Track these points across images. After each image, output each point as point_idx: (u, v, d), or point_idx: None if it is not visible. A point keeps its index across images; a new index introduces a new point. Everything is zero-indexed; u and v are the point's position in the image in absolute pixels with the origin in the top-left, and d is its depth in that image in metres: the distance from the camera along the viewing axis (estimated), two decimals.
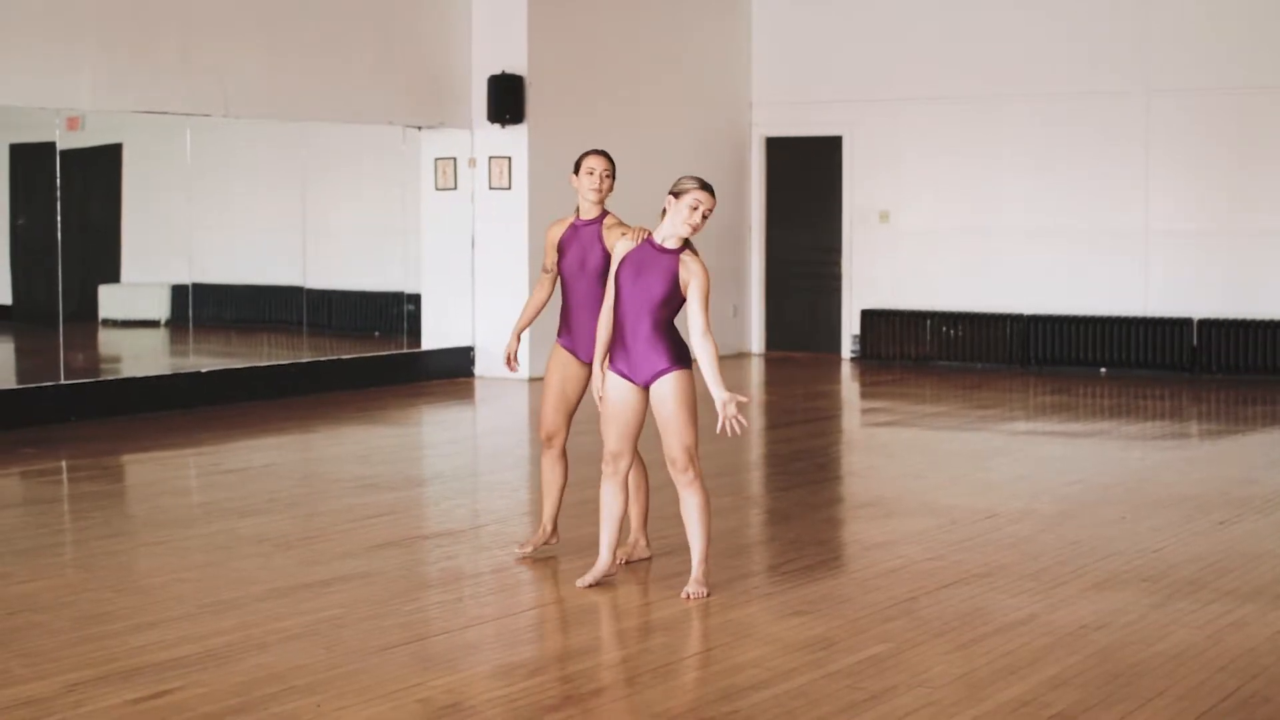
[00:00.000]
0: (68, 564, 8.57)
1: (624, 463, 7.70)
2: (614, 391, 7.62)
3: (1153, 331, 17.46)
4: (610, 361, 7.65)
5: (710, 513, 7.66)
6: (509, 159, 16.78)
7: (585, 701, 6.08)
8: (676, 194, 7.49)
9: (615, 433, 7.66)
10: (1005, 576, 8.05)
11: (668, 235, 7.53)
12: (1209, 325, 17.19)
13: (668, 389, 7.51)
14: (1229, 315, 17.19)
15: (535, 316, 8.54)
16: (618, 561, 8.04)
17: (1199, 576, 8.04)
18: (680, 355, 7.54)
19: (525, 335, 8.88)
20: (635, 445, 7.75)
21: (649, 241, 7.58)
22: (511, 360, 8.52)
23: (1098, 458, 12.34)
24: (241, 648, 6.74)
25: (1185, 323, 17.31)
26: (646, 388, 7.58)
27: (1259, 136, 17.13)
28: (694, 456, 7.54)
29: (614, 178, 8.27)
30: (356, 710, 5.92)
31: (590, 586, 7.77)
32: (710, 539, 7.68)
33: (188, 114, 14.71)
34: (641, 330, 7.53)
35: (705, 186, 7.50)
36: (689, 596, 7.54)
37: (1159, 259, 17.61)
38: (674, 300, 7.53)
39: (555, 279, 8.40)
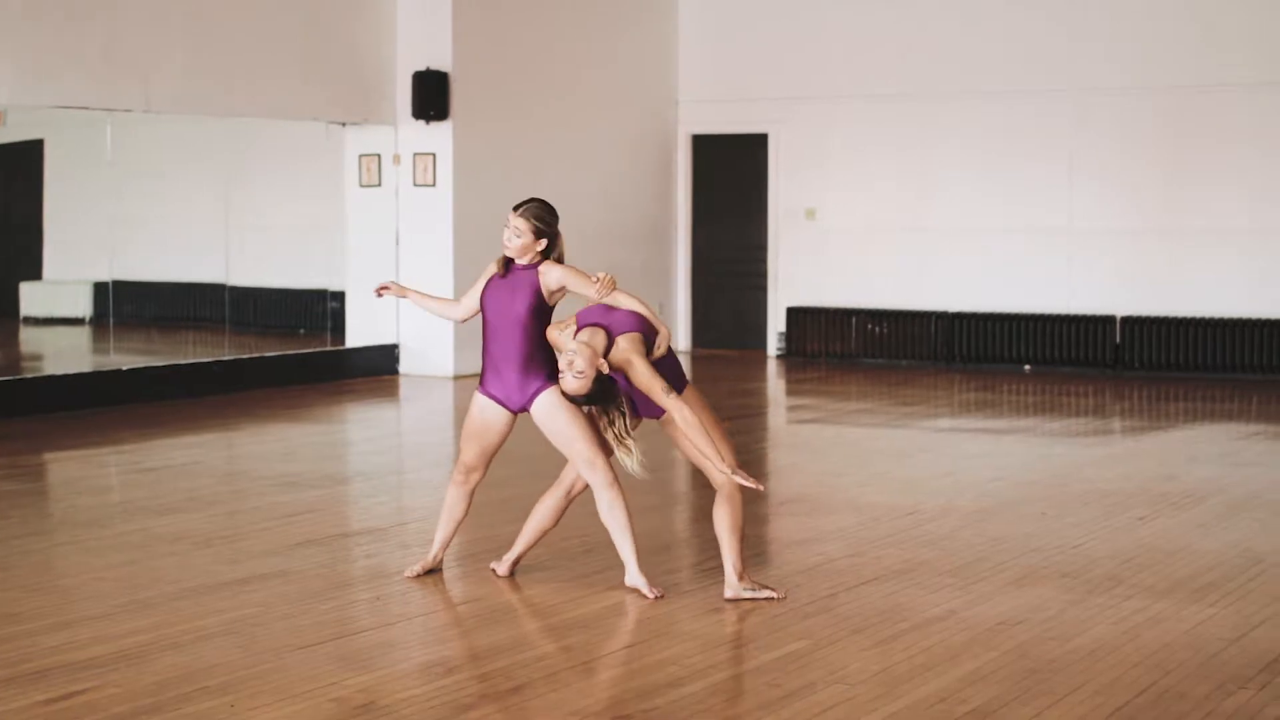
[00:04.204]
0: None
1: (476, 477, 7.95)
2: (483, 413, 7.76)
3: (1076, 329, 17.57)
4: (482, 384, 7.76)
5: (627, 511, 7.67)
6: (433, 156, 16.72)
7: (502, 700, 6.06)
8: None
9: (475, 449, 7.85)
10: (925, 573, 8.08)
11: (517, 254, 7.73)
12: (1131, 323, 17.31)
13: (546, 406, 7.60)
14: (1151, 313, 17.32)
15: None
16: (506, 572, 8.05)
17: (1117, 572, 8.09)
18: (553, 371, 7.59)
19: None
20: (489, 463, 7.93)
21: (510, 269, 7.72)
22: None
23: (1020, 454, 12.39)
24: (156, 647, 6.68)
25: (1108, 320, 17.43)
26: (517, 413, 7.72)
27: (1181, 136, 17.26)
28: (595, 463, 7.57)
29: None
30: (269, 710, 5.87)
31: (418, 576, 7.97)
32: (633, 537, 7.68)
33: (109, 109, 14.58)
34: (513, 352, 7.62)
35: (515, 206, 7.72)
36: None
37: (1083, 257, 17.72)
38: (540, 313, 7.64)
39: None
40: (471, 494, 8.00)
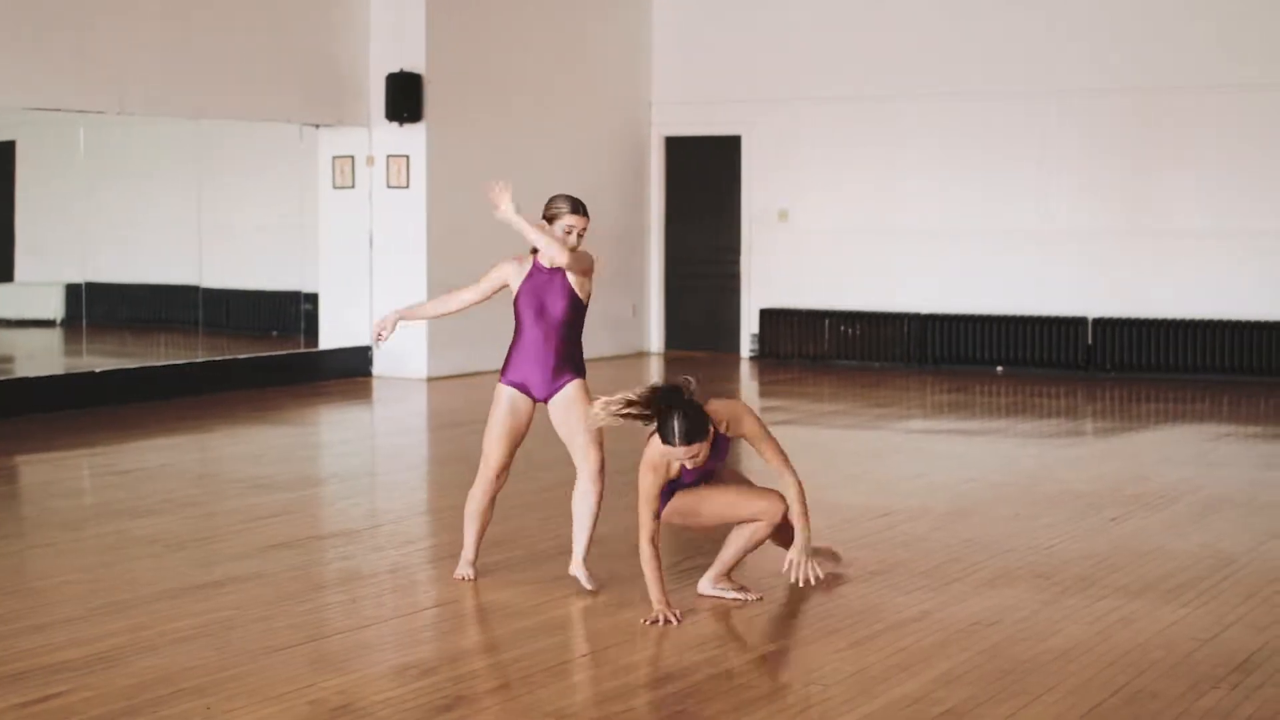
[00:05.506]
0: None
1: (504, 478, 7.91)
2: (511, 403, 7.75)
3: (1048, 330, 17.62)
4: (505, 375, 7.77)
5: (598, 506, 7.84)
6: (407, 158, 16.71)
7: (478, 701, 6.07)
8: (550, 218, 7.64)
9: (506, 447, 7.80)
10: (899, 574, 8.10)
11: (549, 257, 7.62)
12: (1103, 324, 17.37)
13: (569, 398, 7.68)
14: (1123, 315, 17.38)
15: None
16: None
17: (1090, 573, 8.12)
18: (580, 365, 7.75)
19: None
20: (512, 460, 7.93)
21: (536, 266, 7.69)
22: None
23: (993, 455, 12.43)
24: (131, 650, 6.67)
25: (1080, 322, 17.49)
26: (538, 402, 7.77)
27: (1153, 138, 17.32)
28: (589, 453, 7.74)
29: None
30: (246, 712, 5.87)
31: (468, 579, 7.93)
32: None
33: (82, 111, 14.55)
34: (551, 350, 7.69)
35: (576, 209, 7.65)
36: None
37: (1054, 259, 17.77)
38: (576, 310, 7.71)
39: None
40: (495, 498, 7.97)
